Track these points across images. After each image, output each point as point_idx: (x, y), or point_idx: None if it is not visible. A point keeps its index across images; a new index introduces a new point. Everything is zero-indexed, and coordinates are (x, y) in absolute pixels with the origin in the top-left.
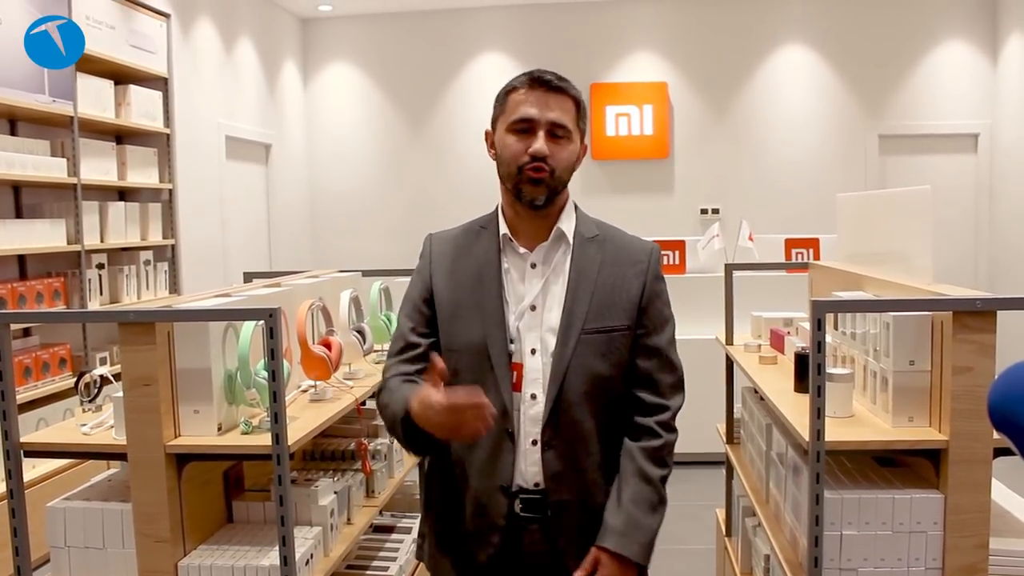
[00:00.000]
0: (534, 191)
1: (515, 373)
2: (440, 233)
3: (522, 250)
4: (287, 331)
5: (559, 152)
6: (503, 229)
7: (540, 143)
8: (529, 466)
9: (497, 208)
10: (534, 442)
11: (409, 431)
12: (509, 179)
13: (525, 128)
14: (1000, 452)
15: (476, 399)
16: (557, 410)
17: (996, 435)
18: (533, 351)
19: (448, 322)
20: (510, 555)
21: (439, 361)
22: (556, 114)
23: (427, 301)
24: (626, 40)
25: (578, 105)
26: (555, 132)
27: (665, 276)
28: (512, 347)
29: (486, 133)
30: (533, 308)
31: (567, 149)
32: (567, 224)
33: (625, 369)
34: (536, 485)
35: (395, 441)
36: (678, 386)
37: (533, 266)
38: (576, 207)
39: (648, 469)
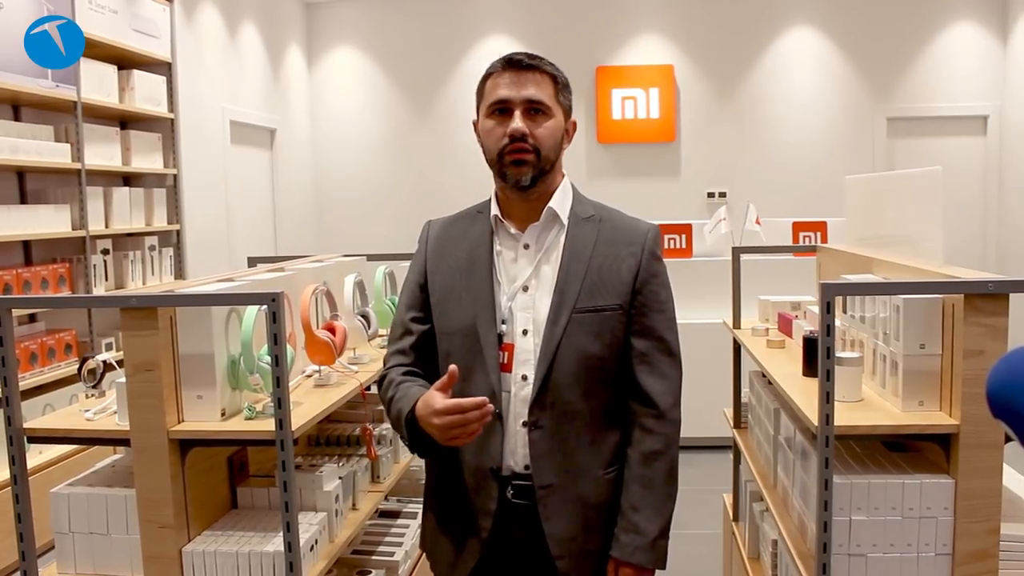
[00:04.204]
0: (518, 172)
1: (506, 354)
2: (437, 219)
3: (514, 231)
4: (291, 316)
5: (538, 128)
6: (495, 211)
7: (517, 122)
8: (519, 447)
9: (493, 192)
10: (523, 423)
11: (412, 431)
12: (494, 163)
13: (503, 110)
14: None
15: (478, 401)
16: (545, 390)
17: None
18: (524, 332)
19: (441, 305)
20: (501, 540)
21: (455, 370)
22: (531, 91)
23: (423, 287)
24: (632, 22)
25: (556, 80)
26: (532, 109)
27: (671, 260)
28: (504, 328)
29: (473, 123)
30: (525, 289)
31: (547, 125)
32: (561, 204)
33: (619, 350)
34: (526, 468)
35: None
36: (676, 368)
37: (526, 247)
38: (573, 188)
39: (647, 474)
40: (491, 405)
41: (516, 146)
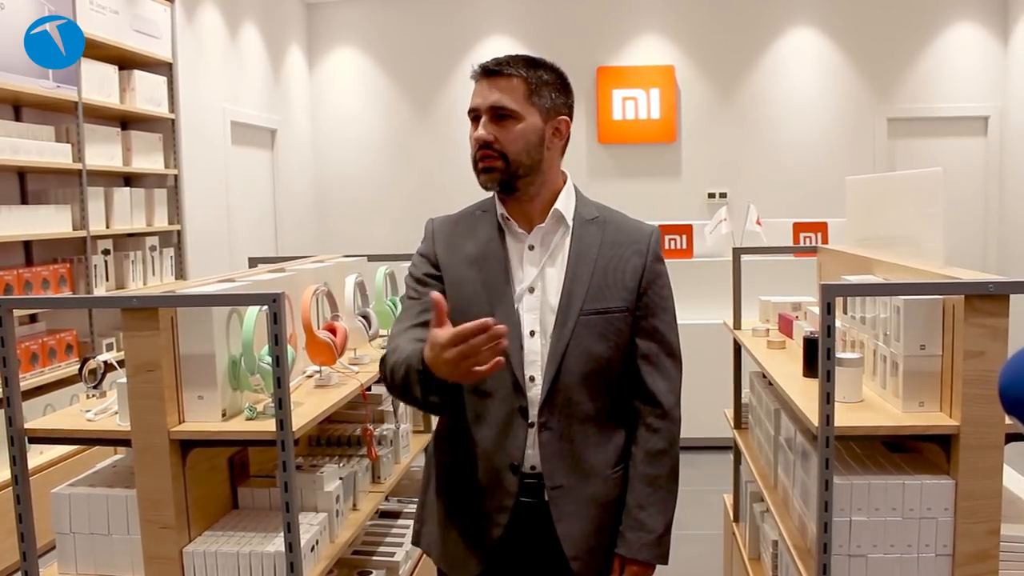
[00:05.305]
0: (487, 178)
1: None
2: (440, 217)
3: (519, 231)
4: (292, 316)
5: (505, 134)
6: (501, 210)
7: (480, 130)
8: (528, 448)
9: (495, 193)
10: (531, 424)
11: (425, 383)
12: (473, 170)
13: (476, 118)
14: (1012, 437)
15: (482, 322)
16: (554, 391)
17: (1008, 420)
18: (532, 333)
19: (456, 298)
20: (513, 538)
21: (440, 298)
22: (495, 97)
23: (435, 276)
24: (633, 23)
25: (528, 82)
26: (499, 115)
27: (672, 261)
28: None
29: None
30: (532, 290)
31: (514, 129)
32: (565, 206)
33: (624, 350)
34: (532, 468)
35: (401, 425)
36: (678, 369)
37: (531, 248)
38: (576, 189)
39: (652, 472)
40: (501, 326)
41: (482, 153)
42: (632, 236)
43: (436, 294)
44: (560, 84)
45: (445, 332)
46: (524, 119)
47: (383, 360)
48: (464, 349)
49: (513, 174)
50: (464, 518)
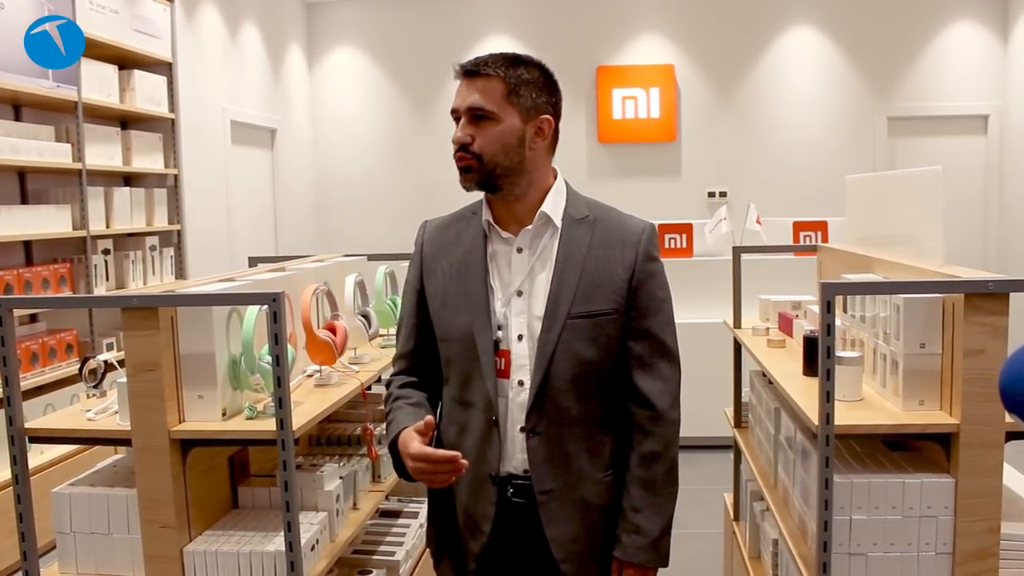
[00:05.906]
0: (464, 179)
1: (503, 360)
2: (433, 220)
3: (506, 235)
4: (292, 316)
5: (482, 135)
6: (486, 215)
7: (457, 131)
8: (517, 453)
9: (484, 195)
10: (521, 429)
11: (396, 457)
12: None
13: (456, 119)
14: (1012, 436)
15: (450, 455)
16: (542, 396)
17: (1008, 418)
18: (520, 337)
19: (439, 311)
20: (502, 544)
21: (431, 421)
22: (473, 98)
23: (420, 291)
24: (633, 22)
25: (507, 82)
26: (476, 116)
27: (672, 260)
28: (499, 334)
29: None
30: (520, 294)
31: (491, 131)
32: (553, 207)
33: (615, 353)
34: (525, 472)
35: None
36: (674, 370)
37: (519, 251)
38: (568, 187)
39: (647, 475)
40: (465, 461)
41: (458, 155)
42: (623, 235)
43: (429, 418)
44: (543, 82)
45: (417, 446)
46: (502, 120)
47: (388, 383)
48: (426, 468)
49: (490, 174)
50: (454, 525)
